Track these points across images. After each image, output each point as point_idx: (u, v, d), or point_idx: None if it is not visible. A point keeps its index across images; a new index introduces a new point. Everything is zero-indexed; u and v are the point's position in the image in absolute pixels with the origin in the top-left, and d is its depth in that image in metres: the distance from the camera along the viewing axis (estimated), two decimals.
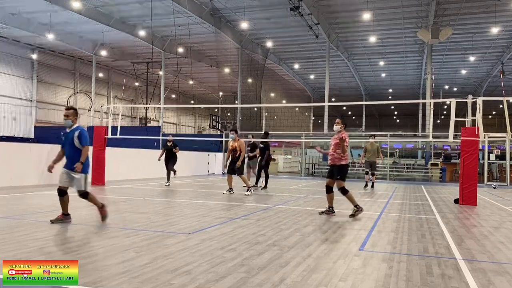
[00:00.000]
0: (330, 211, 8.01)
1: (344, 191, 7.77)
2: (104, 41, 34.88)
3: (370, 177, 15.25)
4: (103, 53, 36.82)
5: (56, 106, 36.06)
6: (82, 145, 6.27)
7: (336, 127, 7.92)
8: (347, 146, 7.74)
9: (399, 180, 22.24)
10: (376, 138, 15.84)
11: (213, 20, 27.62)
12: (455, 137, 11.72)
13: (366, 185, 15.52)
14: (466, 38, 30.27)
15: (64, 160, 6.37)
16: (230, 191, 11.38)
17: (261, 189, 13.34)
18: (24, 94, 34.93)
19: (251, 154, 13.24)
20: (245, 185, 11.65)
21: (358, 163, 23.05)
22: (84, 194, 6.27)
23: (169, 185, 13.84)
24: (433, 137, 13.29)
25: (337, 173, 7.77)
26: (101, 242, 5.02)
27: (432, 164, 24.02)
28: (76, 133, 6.25)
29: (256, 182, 13.64)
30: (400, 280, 3.85)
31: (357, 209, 7.80)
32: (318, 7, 26.20)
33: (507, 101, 16.22)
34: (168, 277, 3.69)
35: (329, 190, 7.97)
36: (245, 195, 11.23)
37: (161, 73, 35.73)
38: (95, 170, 13.09)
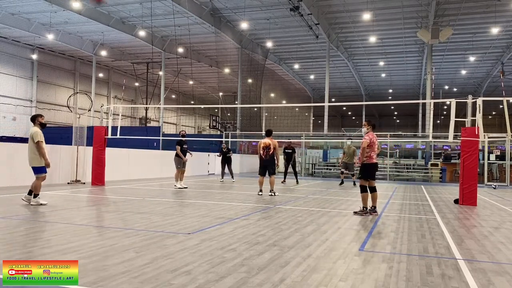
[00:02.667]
0: (372, 210, 8.13)
1: (361, 189, 8.15)
2: (104, 41, 34.91)
3: (346, 176, 17.16)
4: (103, 53, 36.84)
5: (56, 106, 36.08)
6: None
7: (363, 130, 8.39)
8: (369, 146, 7.97)
9: (399, 180, 22.24)
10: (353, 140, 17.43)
11: (213, 20, 27.63)
12: (455, 137, 11.72)
13: (341, 183, 16.93)
14: (466, 38, 30.28)
15: None
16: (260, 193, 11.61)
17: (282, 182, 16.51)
18: (24, 94, 34.94)
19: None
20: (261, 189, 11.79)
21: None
22: None
23: (222, 181, 16.82)
24: (433, 137, 13.37)
25: (360, 172, 8.30)
26: (101, 242, 5.02)
27: (432, 164, 24.02)
28: None
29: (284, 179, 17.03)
30: (400, 280, 3.85)
31: (363, 211, 8.04)
32: (318, 7, 26.21)
33: (507, 101, 16.22)
34: (168, 277, 3.69)
35: (362, 189, 8.18)
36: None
37: (161, 73, 35.74)
38: (95, 170, 13.10)
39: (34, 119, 8.26)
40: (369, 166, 8.08)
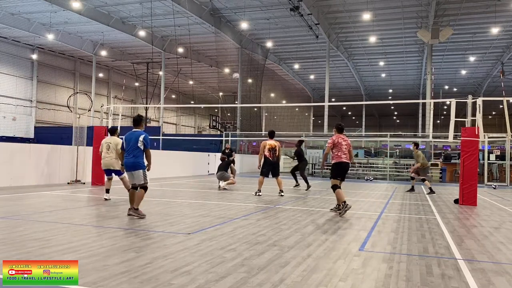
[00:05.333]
0: (339, 207, 8.19)
1: (332, 188, 8.27)
2: (104, 41, 34.91)
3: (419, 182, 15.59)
4: (103, 53, 36.85)
5: (56, 106, 36.08)
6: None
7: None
8: (335, 147, 8.25)
9: (399, 180, 22.24)
10: (418, 146, 15.59)
11: (213, 20, 27.63)
12: (455, 137, 11.72)
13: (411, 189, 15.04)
14: (466, 38, 30.29)
15: None
16: (258, 193, 11.49)
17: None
18: (24, 94, 34.93)
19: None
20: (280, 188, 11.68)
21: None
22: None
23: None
24: (433, 137, 13.32)
25: (330, 171, 8.57)
26: (101, 242, 5.02)
27: (432, 164, 23.99)
28: None
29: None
30: (400, 280, 3.85)
31: (342, 206, 7.99)
32: (318, 7, 26.21)
33: (507, 101, 16.23)
34: (168, 277, 3.69)
35: (333, 188, 8.35)
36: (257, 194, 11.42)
37: (161, 73, 35.74)
38: (95, 170, 13.09)
39: (114, 131, 9.68)
40: (336, 165, 8.25)
